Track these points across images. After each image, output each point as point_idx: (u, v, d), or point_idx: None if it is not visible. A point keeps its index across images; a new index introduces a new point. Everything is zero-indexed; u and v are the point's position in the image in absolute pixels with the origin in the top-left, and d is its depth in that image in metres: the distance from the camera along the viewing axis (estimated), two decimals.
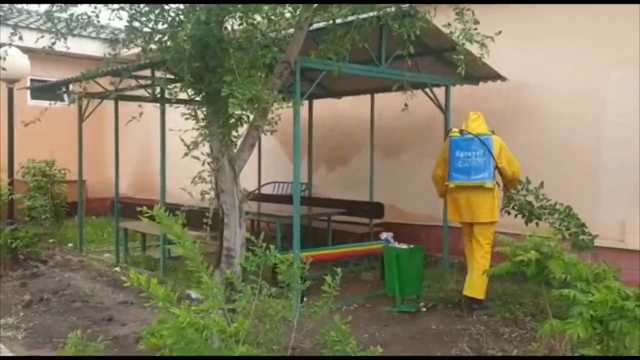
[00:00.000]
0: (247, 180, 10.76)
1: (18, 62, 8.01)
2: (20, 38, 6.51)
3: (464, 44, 4.46)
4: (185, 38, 3.22)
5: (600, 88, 6.91)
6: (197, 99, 3.99)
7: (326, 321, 3.35)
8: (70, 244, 9.62)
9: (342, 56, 4.13)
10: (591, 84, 6.96)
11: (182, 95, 7.54)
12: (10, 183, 8.16)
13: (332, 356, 3.18)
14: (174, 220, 3.13)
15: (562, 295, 3.89)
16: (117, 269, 7.93)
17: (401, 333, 5.10)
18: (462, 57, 4.16)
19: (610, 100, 6.83)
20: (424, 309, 5.93)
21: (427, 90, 7.18)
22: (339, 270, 3.48)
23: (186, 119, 3.92)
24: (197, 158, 3.79)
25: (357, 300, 6.21)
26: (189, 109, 3.97)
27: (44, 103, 13.78)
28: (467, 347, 4.72)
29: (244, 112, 3.62)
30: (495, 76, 7.35)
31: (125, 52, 12.48)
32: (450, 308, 5.96)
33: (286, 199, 8.49)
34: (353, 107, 9.36)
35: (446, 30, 4.53)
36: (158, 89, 7.92)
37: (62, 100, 14.52)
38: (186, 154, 4.04)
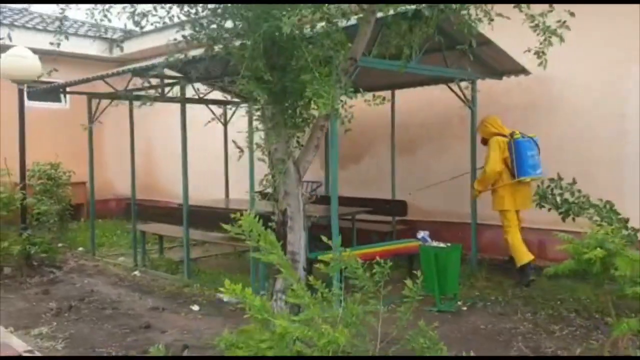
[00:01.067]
0: (246, 178, 10.69)
1: (29, 63, 7.76)
2: (10, 39, 6.34)
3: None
4: (260, 37, 3.07)
5: (620, 82, 6.92)
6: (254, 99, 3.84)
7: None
8: (80, 248, 9.39)
9: (414, 50, 4.00)
10: (611, 78, 6.97)
11: (213, 95, 7.37)
12: (23, 187, 7.91)
13: (343, 356, 3.04)
14: (262, 229, 2.97)
15: (636, 293, 3.85)
16: (137, 273, 7.74)
17: (451, 333, 5.01)
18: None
19: (631, 93, 6.84)
20: (463, 308, 5.86)
21: (451, 85, 7.13)
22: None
23: (255, 119, 3.77)
24: (263, 160, 3.65)
25: (394, 300, 6.09)
26: (253, 109, 3.82)
27: (41, 105, 13.52)
28: (524, 346, 4.66)
29: (312, 112, 3.49)
30: (520, 70, 7.30)
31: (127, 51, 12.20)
32: (489, 306, 5.90)
33: None
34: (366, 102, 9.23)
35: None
36: (174, 89, 7.78)
37: (59, 101, 14.28)
38: (240, 156, 3.92)
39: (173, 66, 8.00)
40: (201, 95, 9.30)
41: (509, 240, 6.84)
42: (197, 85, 9.33)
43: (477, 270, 7.09)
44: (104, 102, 8.76)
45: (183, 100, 6.82)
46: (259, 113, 3.72)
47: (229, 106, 10.21)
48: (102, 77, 8.17)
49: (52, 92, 9.08)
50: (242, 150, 3.94)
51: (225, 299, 6.29)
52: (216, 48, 3.64)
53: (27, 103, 13.24)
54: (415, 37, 3.80)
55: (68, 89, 9.11)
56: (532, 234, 7.79)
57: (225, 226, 3.04)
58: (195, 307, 6.02)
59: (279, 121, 3.61)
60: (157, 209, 8.44)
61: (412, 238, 7.49)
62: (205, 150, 12.02)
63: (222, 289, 2.84)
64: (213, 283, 6.99)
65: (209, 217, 7.47)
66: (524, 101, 7.64)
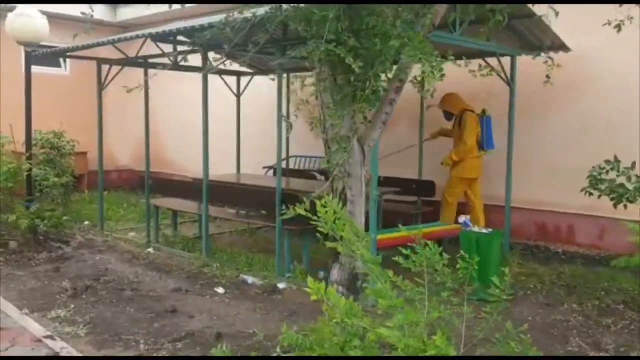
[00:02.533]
0: (255, 153, 10.29)
1: (37, 24, 7.24)
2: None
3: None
4: None
5: None
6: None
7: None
8: (86, 222, 8.98)
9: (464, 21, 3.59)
10: None
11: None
12: (29, 157, 7.46)
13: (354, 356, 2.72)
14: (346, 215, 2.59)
15: None
16: (151, 249, 7.36)
17: (502, 326, 4.70)
18: None
19: None
20: (503, 297, 5.55)
21: (490, 60, 6.73)
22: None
23: (317, 91, 3.37)
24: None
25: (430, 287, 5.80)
26: (324, 78, 3.41)
27: (42, 69, 12.90)
28: (582, 342, 4.37)
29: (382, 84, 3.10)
30: (559, 46, 6.91)
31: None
32: (530, 295, 5.61)
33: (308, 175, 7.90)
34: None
35: None
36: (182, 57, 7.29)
37: (59, 65, 13.67)
38: (312, 129, 3.54)
39: (189, 34, 7.56)
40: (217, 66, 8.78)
41: (449, 200, 7.45)
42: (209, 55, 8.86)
43: (509, 255, 6.79)
44: (112, 70, 8.25)
45: (206, 69, 6.36)
46: (324, 84, 3.33)
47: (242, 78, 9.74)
48: (113, 42, 7.67)
49: (59, 56, 8.46)
50: (291, 125, 3.55)
51: (249, 281, 5.97)
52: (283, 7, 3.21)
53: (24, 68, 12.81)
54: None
55: (76, 53, 8.54)
56: (561, 218, 7.52)
57: (298, 209, 2.66)
58: (220, 290, 5.67)
59: (347, 93, 3.22)
60: (172, 182, 8.01)
61: (438, 221, 7.22)
62: (216, 123, 11.57)
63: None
64: (233, 262, 6.66)
65: (228, 193, 7.10)
66: (564, 79, 7.27)
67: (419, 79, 3.32)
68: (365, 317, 2.42)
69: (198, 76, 8.90)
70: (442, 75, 2.98)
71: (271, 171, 10.06)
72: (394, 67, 3.21)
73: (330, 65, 3.28)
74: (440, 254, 2.99)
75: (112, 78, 8.31)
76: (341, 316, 2.39)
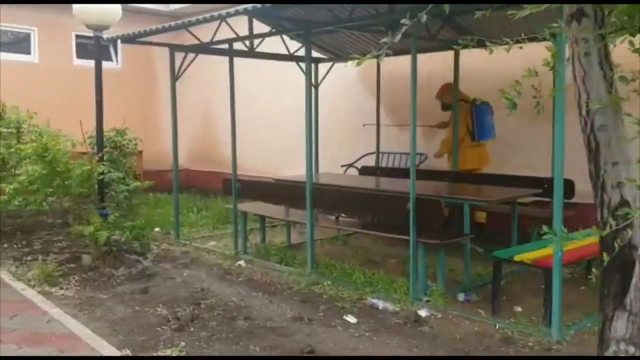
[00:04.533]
0: (329, 151, 9.21)
1: (108, 6, 6.29)
2: None
3: None
4: None
5: None
6: None
7: None
8: (157, 229, 8.05)
9: None
10: None
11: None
12: (101, 159, 6.53)
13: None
14: None
15: None
16: (242, 262, 6.37)
17: None
18: None
19: None
20: None
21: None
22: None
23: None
24: None
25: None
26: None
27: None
28: None
29: None
30: None
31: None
32: None
33: (418, 175, 6.80)
34: (477, 59, 7.67)
35: None
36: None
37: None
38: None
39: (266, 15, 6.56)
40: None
41: None
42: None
43: None
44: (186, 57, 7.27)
45: (309, 59, 5.29)
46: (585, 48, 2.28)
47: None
48: (187, 25, 6.65)
49: (130, 42, 7.48)
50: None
51: (379, 306, 4.93)
52: None
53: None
54: None
55: (147, 39, 7.54)
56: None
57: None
58: (351, 319, 4.64)
59: None
60: (262, 184, 6.96)
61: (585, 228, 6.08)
62: (281, 115, 10.57)
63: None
64: (347, 280, 5.63)
65: (345, 199, 6.02)
66: None
67: None
68: None
69: (268, 65, 7.92)
70: None
71: (350, 170, 9.04)
72: None
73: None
74: None
75: (187, 66, 7.34)
76: None
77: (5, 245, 7.04)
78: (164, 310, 4.84)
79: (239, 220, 6.77)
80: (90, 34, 6.44)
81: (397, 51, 5.85)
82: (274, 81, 10.58)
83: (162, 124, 12.92)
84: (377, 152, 8.42)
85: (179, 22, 6.74)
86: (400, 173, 7.55)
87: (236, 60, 6.97)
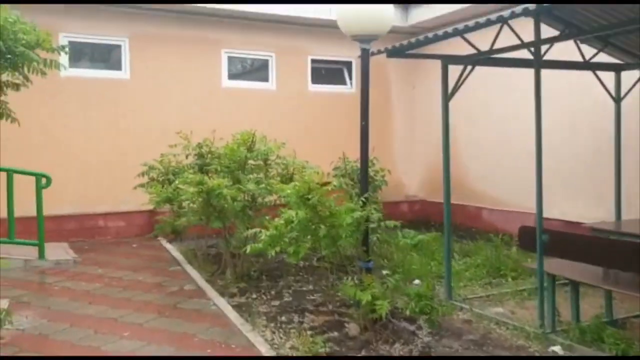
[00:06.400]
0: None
1: (377, 9, 5.06)
2: None
3: None
4: None
5: None
6: None
7: None
8: (416, 281, 6.58)
9: None
10: None
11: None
12: (366, 201, 5.24)
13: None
14: None
15: None
16: (556, 348, 4.58)
17: None
18: None
19: None
20: None
21: None
22: None
23: None
24: None
25: None
26: None
27: (242, 85, 10.79)
28: None
29: None
30: None
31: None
32: None
33: None
34: None
35: None
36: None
37: (344, 83, 11.89)
38: None
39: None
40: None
41: None
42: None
43: None
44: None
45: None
46: None
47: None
48: (463, 32, 5.12)
49: (396, 55, 6.18)
50: None
51: None
52: None
53: (227, 83, 10.73)
54: None
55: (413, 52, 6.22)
56: None
57: None
58: None
59: None
60: (573, 238, 5.08)
61: None
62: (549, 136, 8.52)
63: None
64: None
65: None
66: None
67: None
68: None
69: (527, 75, 6.21)
70: None
71: None
72: None
73: None
74: None
75: (463, 81, 5.85)
76: None
77: (254, 296, 6.15)
78: None
79: (547, 285, 4.98)
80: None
81: None
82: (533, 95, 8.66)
83: (395, 151, 11.71)
84: None
85: (450, 29, 5.27)
86: None
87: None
